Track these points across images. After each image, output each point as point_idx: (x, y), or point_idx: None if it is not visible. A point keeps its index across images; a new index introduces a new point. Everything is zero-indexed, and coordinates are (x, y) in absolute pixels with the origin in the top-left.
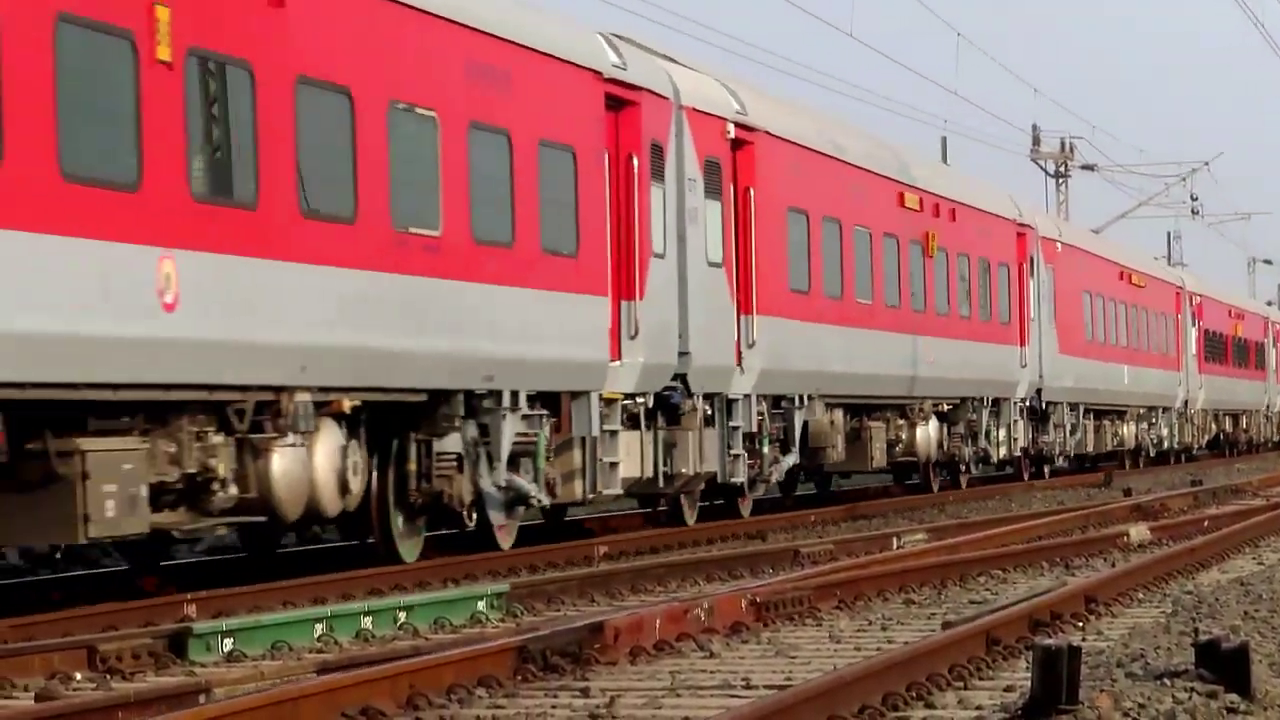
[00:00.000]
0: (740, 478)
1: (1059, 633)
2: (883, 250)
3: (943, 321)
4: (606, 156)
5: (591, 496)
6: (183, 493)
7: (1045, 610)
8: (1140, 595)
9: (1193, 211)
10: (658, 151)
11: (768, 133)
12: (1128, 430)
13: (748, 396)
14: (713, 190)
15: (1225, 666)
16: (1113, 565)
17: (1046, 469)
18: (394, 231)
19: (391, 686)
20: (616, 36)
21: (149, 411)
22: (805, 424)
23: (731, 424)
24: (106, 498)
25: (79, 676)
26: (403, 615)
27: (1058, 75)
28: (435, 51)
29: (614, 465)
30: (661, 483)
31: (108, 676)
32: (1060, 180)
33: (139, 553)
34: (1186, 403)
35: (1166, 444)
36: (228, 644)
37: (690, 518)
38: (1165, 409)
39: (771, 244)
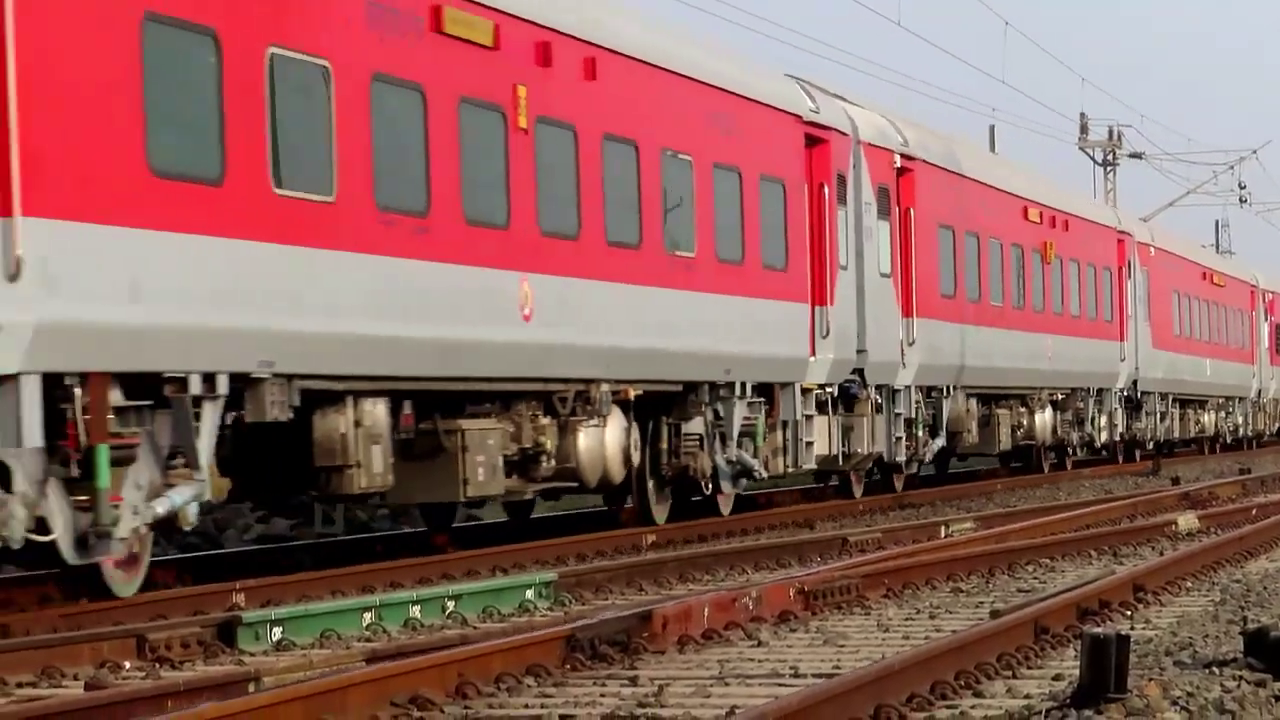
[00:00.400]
0: (901, 457)
1: (1107, 621)
2: (1010, 258)
3: (1058, 320)
4: (806, 187)
5: (792, 470)
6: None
7: (1093, 599)
8: (1188, 584)
9: (1241, 200)
10: (841, 181)
11: (925, 161)
12: (1208, 418)
13: (908, 387)
14: (883, 211)
15: (1273, 655)
16: (1161, 554)
17: (1138, 453)
18: (665, 254)
19: (440, 675)
20: (804, 81)
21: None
22: (948, 411)
23: (895, 411)
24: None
25: (128, 665)
26: (451, 604)
27: (1106, 63)
28: (689, 105)
29: (810, 444)
30: (840, 460)
31: (157, 665)
32: (1108, 169)
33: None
34: (1260, 392)
35: (1241, 431)
36: (276, 633)
37: (858, 491)
38: (1241, 398)
39: (927, 255)
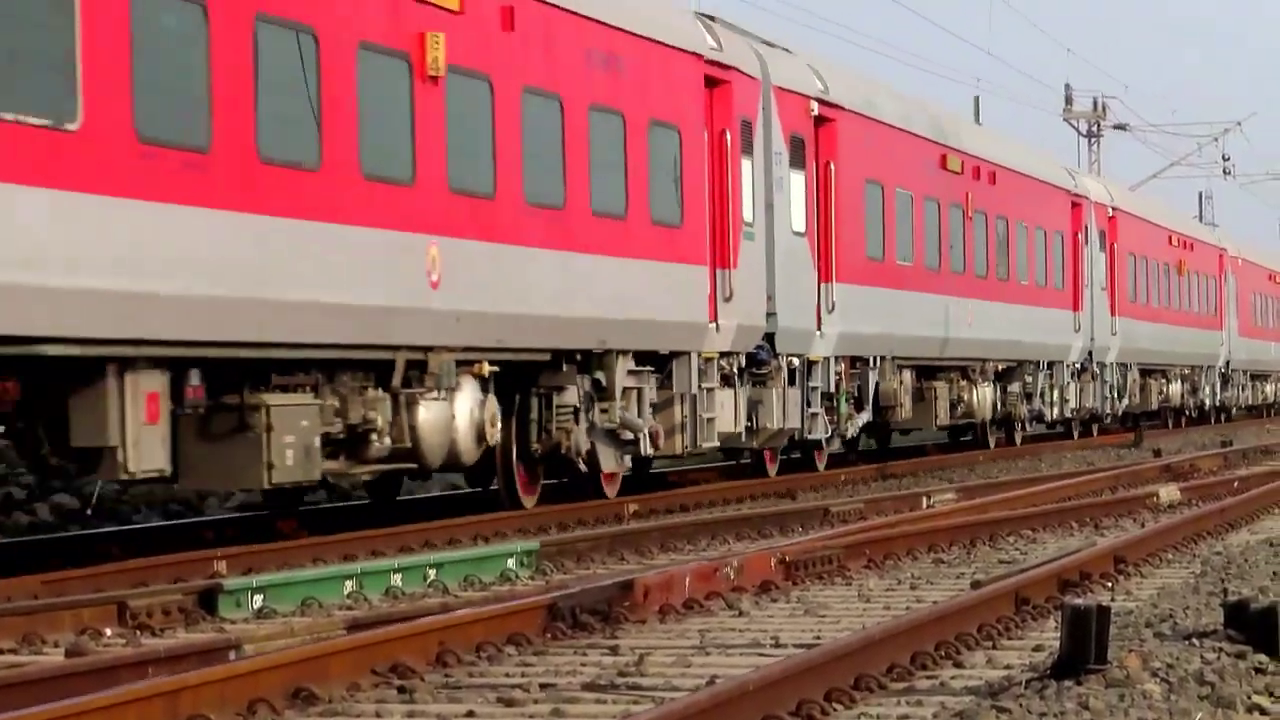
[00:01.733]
0: (819, 434)
1: (1088, 593)
2: (949, 219)
3: (1002, 287)
4: (705, 134)
5: (691, 449)
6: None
7: (1074, 570)
8: (1169, 556)
9: (1224, 172)
10: (747, 128)
11: (849, 110)
12: (1173, 389)
13: (827, 358)
14: (797, 163)
15: (1254, 627)
16: (1142, 526)
17: (1095, 427)
18: (527, 207)
19: (421, 644)
20: (710, 17)
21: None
22: (876, 384)
23: (811, 384)
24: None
25: (109, 632)
26: (432, 573)
27: (1091, 34)
28: (560, 38)
29: (711, 420)
30: (745, 437)
31: (138, 632)
32: (1093, 140)
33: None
34: (1228, 363)
35: (1208, 402)
36: (258, 600)
37: (772, 470)
38: (1208, 368)
39: (850, 214)
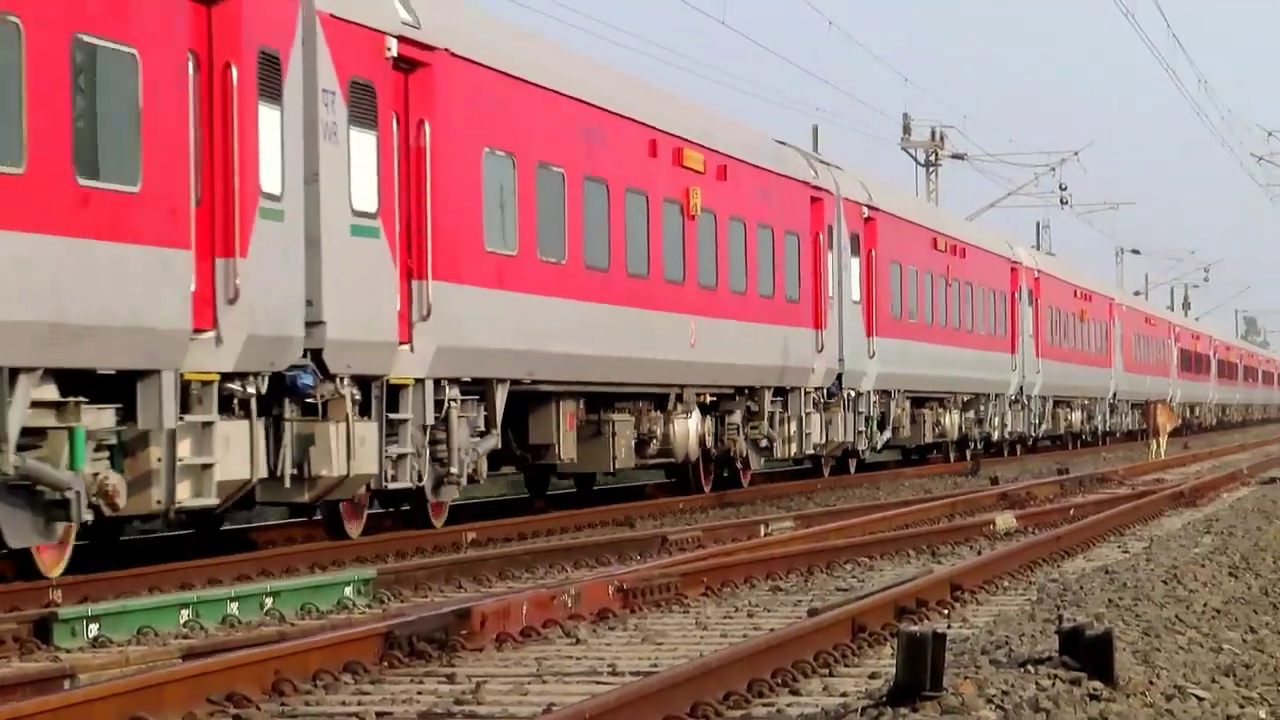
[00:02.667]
0: (405, 482)
1: (924, 620)
2: (625, 209)
3: (709, 297)
4: (192, 61)
5: (174, 506)
6: None
7: (911, 598)
8: (1006, 583)
9: (1061, 201)
10: (271, 60)
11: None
12: (950, 420)
13: (421, 381)
14: (363, 119)
15: (1089, 654)
16: (979, 553)
17: (852, 464)
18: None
19: (257, 672)
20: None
21: None
22: (525, 415)
23: (398, 415)
24: None
25: None
26: (269, 601)
27: (929, 64)
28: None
29: (207, 467)
30: (289, 485)
31: None
32: (931, 169)
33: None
34: (1022, 389)
35: (997, 435)
36: (93, 629)
37: (353, 530)
38: (997, 395)
39: (457, 192)
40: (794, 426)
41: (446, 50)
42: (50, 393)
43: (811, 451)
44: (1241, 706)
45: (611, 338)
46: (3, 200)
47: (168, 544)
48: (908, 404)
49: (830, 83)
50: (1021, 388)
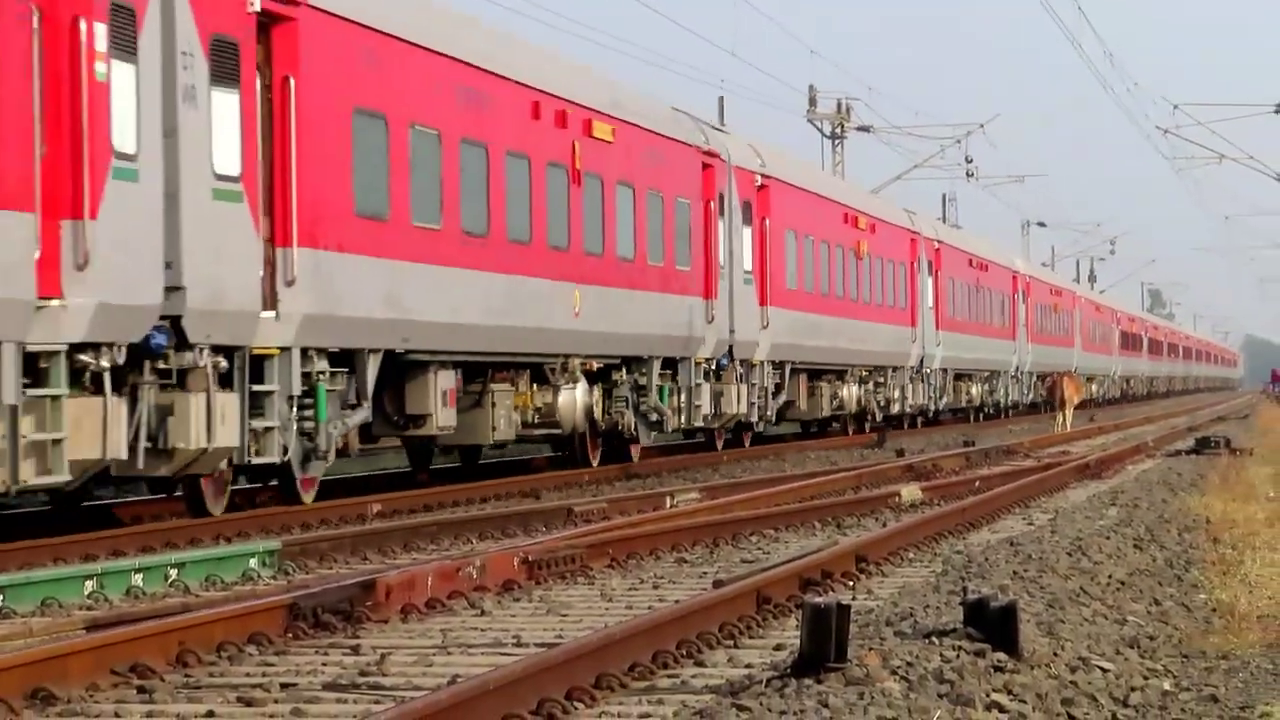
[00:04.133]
0: (271, 456)
1: (829, 591)
2: (506, 172)
3: (594, 264)
4: (37, 15)
5: (17, 485)
6: None
7: (816, 569)
8: (911, 555)
9: (968, 174)
10: (126, 15)
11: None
12: (849, 392)
13: (286, 350)
14: (225, 78)
15: (993, 626)
16: (884, 525)
17: (746, 438)
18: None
19: (161, 643)
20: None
21: None
22: (402, 386)
23: (262, 386)
24: None
25: None
26: (174, 572)
27: (835, 36)
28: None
29: (56, 443)
30: (143, 463)
31: None
32: (836, 141)
33: None
34: (922, 361)
35: (897, 408)
36: None
37: (215, 508)
38: (896, 369)
39: (325, 154)
40: (683, 398)
41: (311, 5)
42: None
43: (701, 424)
44: (1145, 678)
45: (490, 306)
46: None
47: (29, 519)
48: (804, 377)
49: (736, 54)
50: (922, 360)
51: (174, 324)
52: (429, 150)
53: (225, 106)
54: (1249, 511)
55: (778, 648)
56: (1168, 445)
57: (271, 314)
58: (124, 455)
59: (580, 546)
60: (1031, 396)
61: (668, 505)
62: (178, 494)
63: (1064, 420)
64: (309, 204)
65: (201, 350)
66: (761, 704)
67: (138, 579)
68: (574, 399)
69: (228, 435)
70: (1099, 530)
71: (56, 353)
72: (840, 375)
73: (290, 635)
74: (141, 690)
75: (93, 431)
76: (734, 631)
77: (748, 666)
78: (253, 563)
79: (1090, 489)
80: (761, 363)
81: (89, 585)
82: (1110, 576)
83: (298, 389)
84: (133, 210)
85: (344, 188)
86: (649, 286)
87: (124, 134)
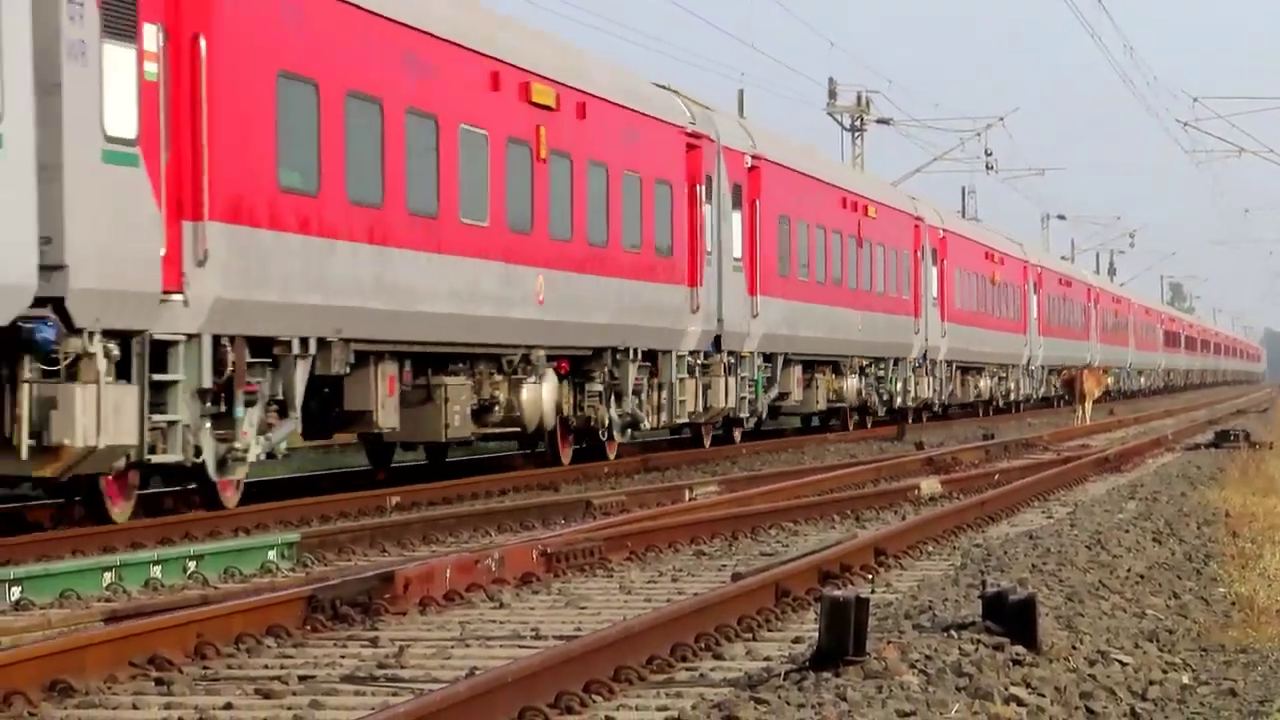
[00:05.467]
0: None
1: (848, 585)
2: (459, 147)
3: (561, 249)
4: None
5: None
6: None
7: (834, 562)
8: (930, 548)
9: (987, 166)
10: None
11: (769, 160)
12: (848, 385)
13: (195, 337)
14: (121, 32)
15: (1012, 619)
16: (903, 518)
17: (738, 432)
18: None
19: (179, 636)
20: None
21: None
22: (340, 380)
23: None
24: None
25: None
26: (192, 564)
27: (854, 29)
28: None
29: (683, 402)
30: (26, 456)
31: None
32: (856, 134)
33: None
34: (926, 354)
35: (900, 401)
36: (15, 592)
37: (119, 513)
38: (898, 360)
39: (241, 119)
40: (664, 394)
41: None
42: None
43: (686, 420)
44: (1164, 672)
45: (438, 292)
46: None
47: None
48: (799, 368)
49: (756, 47)
50: (926, 352)
51: (56, 306)
52: (369, 121)
53: (119, 61)
54: (1268, 505)
55: (796, 641)
56: (1187, 439)
57: (178, 296)
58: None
59: (599, 539)
60: (1043, 391)
61: (686, 498)
62: (76, 498)
63: (1084, 413)
64: (223, 175)
65: (91, 336)
66: (780, 697)
67: (156, 571)
68: (540, 394)
69: (123, 432)
70: (1118, 524)
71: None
72: (838, 367)
73: (309, 627)
74: (159, 682)
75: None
76: (752, 625)
77: (766, 659)
78: (271, 555)
79: (1109, 482)
80: (751, 354)
81: (107, 577)
82: (1129, 570)
83: (208, 381)
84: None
85: (266, 158)
86: (624, 273)
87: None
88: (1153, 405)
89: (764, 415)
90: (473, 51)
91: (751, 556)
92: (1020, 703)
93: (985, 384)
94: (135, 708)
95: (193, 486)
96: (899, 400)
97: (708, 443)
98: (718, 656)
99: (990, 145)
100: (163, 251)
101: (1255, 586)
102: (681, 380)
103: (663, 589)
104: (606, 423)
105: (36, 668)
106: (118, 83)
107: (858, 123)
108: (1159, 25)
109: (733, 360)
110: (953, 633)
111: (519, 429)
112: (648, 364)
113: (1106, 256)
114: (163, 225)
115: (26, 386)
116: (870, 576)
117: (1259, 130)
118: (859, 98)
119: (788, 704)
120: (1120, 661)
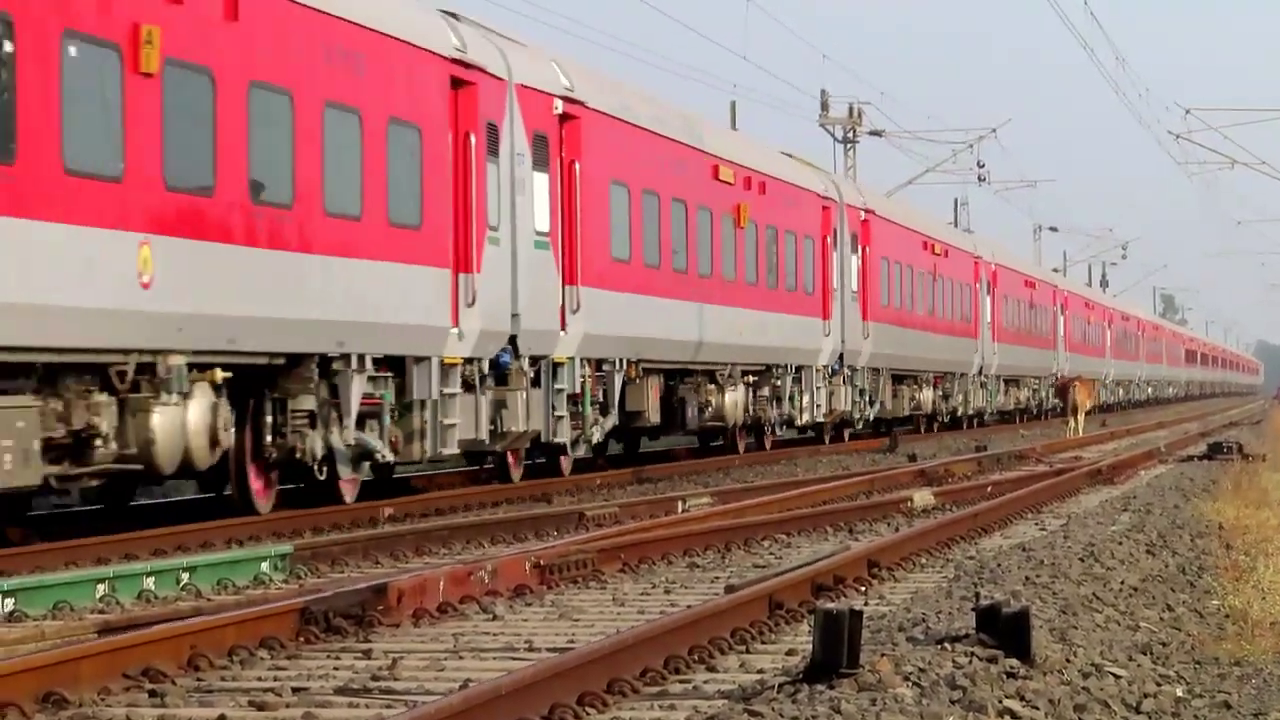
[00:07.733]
0: (563, 437)
1: (841, 597)
2: (674, 217)
3: (749, 291)
4: (450, 136)
5: (431, 456)
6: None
7: (828, 575)
8: (923, 560)
9: (979, 178)
10: (493, 130)
11: (594, 109)
12: (925, 395)
13: (571, 359)
14: (540, 164)
15: (1006, 631)
16: (896, 530)
17: (847, 432)
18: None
19: (173, 647)
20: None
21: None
22: (623, 387)
23: (556, 386)
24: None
25: None
26: (186, 576)
27: (847, 41)
28: (294, 36)
29: (451, 427)
30: (488, 440)
31: None
32: (848, 146)
33: None
34: (982, 369)
35: (961, 410)
36: (9, 604)
37: (515, 475)
38: (962, 374)
39: (592, 214)
40: (806, 399)
41: (589, 107)
42: (371, 371)
43: (821, 419)
44: (1158, 684)
45: (687, 326)
46: (348, 240)
47: (77, 518)
48: (890, 380)
49: (748, 59)
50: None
51: (511, 342)
52: (652, 207)
53: (540, 184)
54: (1261, 517)
55: (790, 653)
56: (1180, 450)
57: (563, 332)
58: (484, 435)
59: (592, 550)
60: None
61: (679, 510)
62: (489, 465)
63: (1076, 425)
64: (586, 254)
65: (524, 360)
66: (773, 709)
67: (149, 582)
68: (735, 399)
69: (535, 421)
70: (1111, 536)
71: (454, 364)
72: (917, 380)
73: (302, 639)
74: (153, 694)
75: (468, 419)
76: (746, 637)
77: (760, 672)
78: (264, 566)
79: (1102, 494)
80: (863, 368)
81: (101, 589)
82: (1123, 582)
83: (576, 389)
84: (495, 266)
85: (603, 241)
86: (782, 309)
87: (492, 213)
88: (1145, 417)
89: (870, 418)
90: (701, 151)
91: (745, 568)
92: (1014, 716)
93: (927, 395)
94: (129, 719)
95: (542, 460)
96: (802, 416)
97: (827, 440)
98: (711, 669)
99: (982, 157)
100: (559, 303)
101: (1249, 599)
102: (819, 389)
103: (656, 601)
104: (773, 420)
105: (30, 679)
106: (540, 197)
107: (850, 134)
108: (1151, 37)
109: (850, 372)
110: (946, 645)
111: (720, 424)
112: (797, 375)
113: (1099, 268)
114: (561, 287)
115: (489, 395)
116: (864, 589)
117: (1251, 142)
118: (851, 109)
119: (781, 716)
120: (1114, 674)
